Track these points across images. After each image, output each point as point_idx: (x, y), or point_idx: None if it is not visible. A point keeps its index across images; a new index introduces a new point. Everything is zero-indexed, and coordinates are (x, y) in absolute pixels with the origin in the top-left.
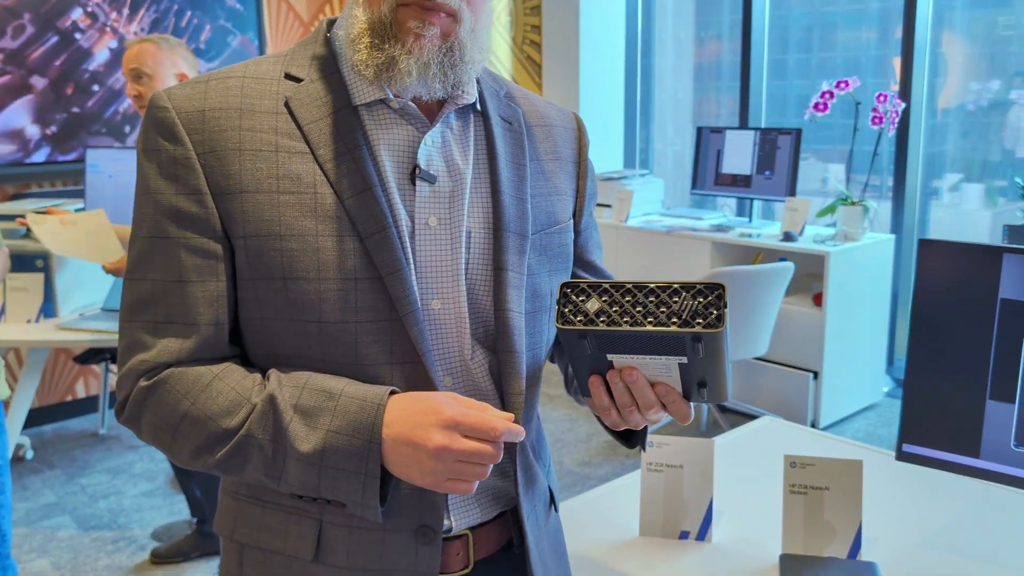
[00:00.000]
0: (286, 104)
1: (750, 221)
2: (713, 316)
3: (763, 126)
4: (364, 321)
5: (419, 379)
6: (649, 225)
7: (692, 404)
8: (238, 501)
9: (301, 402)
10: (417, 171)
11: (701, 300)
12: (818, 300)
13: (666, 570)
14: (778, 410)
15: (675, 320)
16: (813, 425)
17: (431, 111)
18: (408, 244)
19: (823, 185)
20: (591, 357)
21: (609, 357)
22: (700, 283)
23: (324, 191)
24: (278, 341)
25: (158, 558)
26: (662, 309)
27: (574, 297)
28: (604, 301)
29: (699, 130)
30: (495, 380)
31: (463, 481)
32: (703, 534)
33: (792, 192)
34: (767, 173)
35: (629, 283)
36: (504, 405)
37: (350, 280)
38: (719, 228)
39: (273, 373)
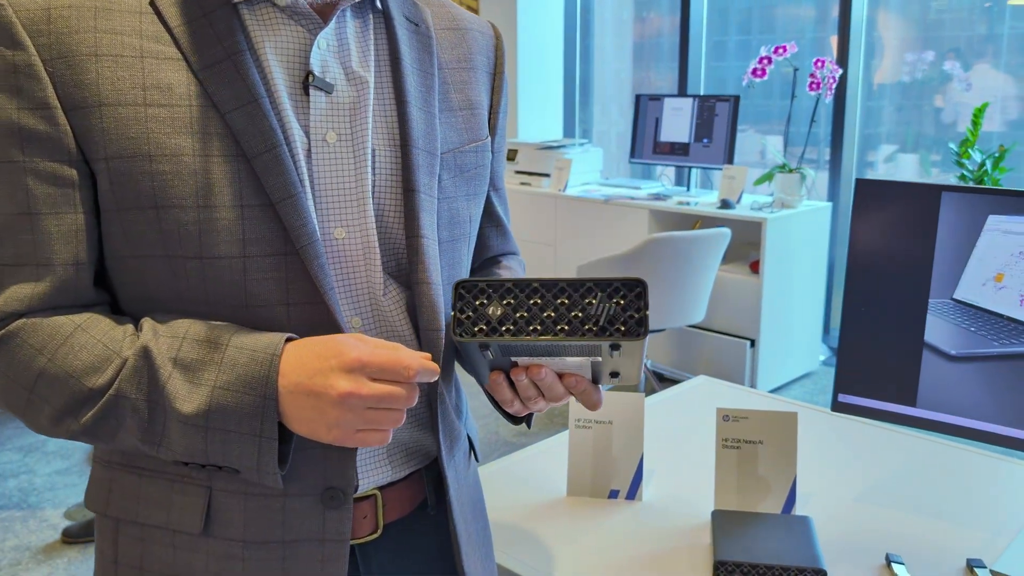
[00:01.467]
0: (151, 3)
1: (688, 190)
2: (633, 320)
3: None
4: (254, 256)
5: (322, 321)
6: (588, 194)
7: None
8: (111, 470)
9: (181, 355)
10: (310, 79)
11: (619, 300)
12: (755, 268)
13: (594, 530)
14: (715, 378)
15: (590, 327)
16: None
17: (324, 11)
18: (304, 165)
19: (761, 158)
20: (494, 360)
21: (514, 359)
22: (617, 279)
23: (201, 104)
24: (152, 283)
25: (69, 537)
26: (575, 313)
27: (472, 300)
28: (507, 305)
29: (638, 98)
30: (412, 319)
31: (376, 431)
32: (633, 493)
33: (730, 160)
34: (705, 141)
35: (535, 281)
36: (421, 345)
37: (235, 208)
38: (657, 197)
39: (147, 322)
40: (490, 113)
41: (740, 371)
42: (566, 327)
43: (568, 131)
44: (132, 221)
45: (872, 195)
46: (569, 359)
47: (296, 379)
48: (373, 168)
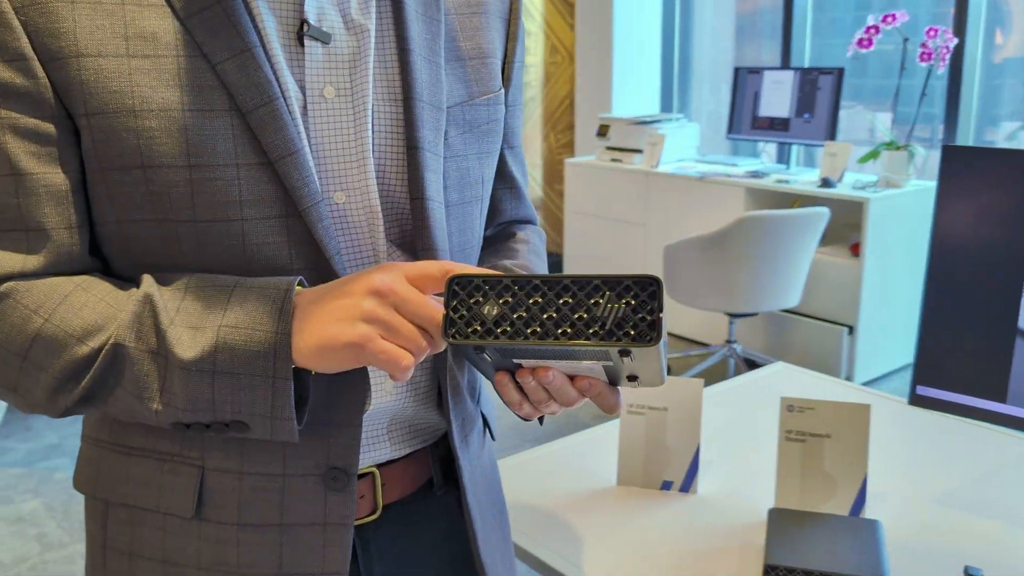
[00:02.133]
0: None
1: (788, 168)
2: (645, 323)
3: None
4: (253, 218)
5: None
6: (682, 171)
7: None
8: (99, 449)
9: (185, 302)
10: (305, 28)
11: (630, 300)
12: (856, 250)
13: (645, 523)
14: (809, 367)
15: (596, 330)
16: None
17: None
18: (300, 123)
19: (871, 136)
20: (494, 362)
21: (516, 361)
22: (628, 277)
23: (188, 53)
24: (144, 250)
25: None
26: (579, 315)
27: (466, 298)
28: (504, 304)
29: (736, 71)
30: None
31: (401, 351)
32: (687, 485)
33: (832, 136)
34: (806, 116)
35: (537, 277)
36: None
37: (230, 167)
38: (754, 175)
39: (148, 276)
40: (504, 62)
41: (836, 360)
42: (569, 330)
43: (665, 106)
44: (117, 182)
45: (961, 164)
46: (578, 364)
47: (312, 298)
48: (373, 125)
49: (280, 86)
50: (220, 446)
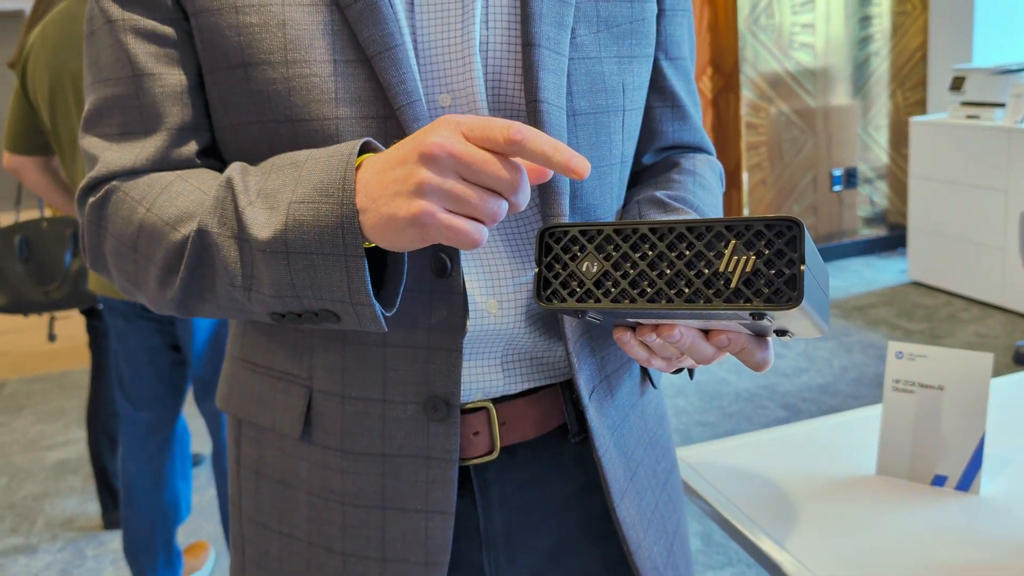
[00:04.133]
0: None
1: None
2: (782, 279)
3: None
4: (348, 118)
5: None
6: None
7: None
8: (232, 365)
9: (268, 182)
10: None
11: (762, 251)
12: None
13: (906, 522)
14: None
15: (720, 289)
16: None
17: None
18: (403, 17)
19: None
20: (604, 322)
21: (632, 320)
22: (760, 220)
23: None
24: (255, 155)
25: None
26: (698, 270)
27: (562, 252)
28: (607, 258)
29: None
30: (541, 208)
31: (467, 219)
32: (967, 483)
33: None
34: None
35: (646, 224)
36: None
37: (326, 63)
38: None
39: (237, 162)
40: None
41: None
42: (686, 290)
43: None
44: (224, 83)
45: None
46: (706, 322)
47: (376, 167)
48: (486, 19)
49: None
50: (325, 366)
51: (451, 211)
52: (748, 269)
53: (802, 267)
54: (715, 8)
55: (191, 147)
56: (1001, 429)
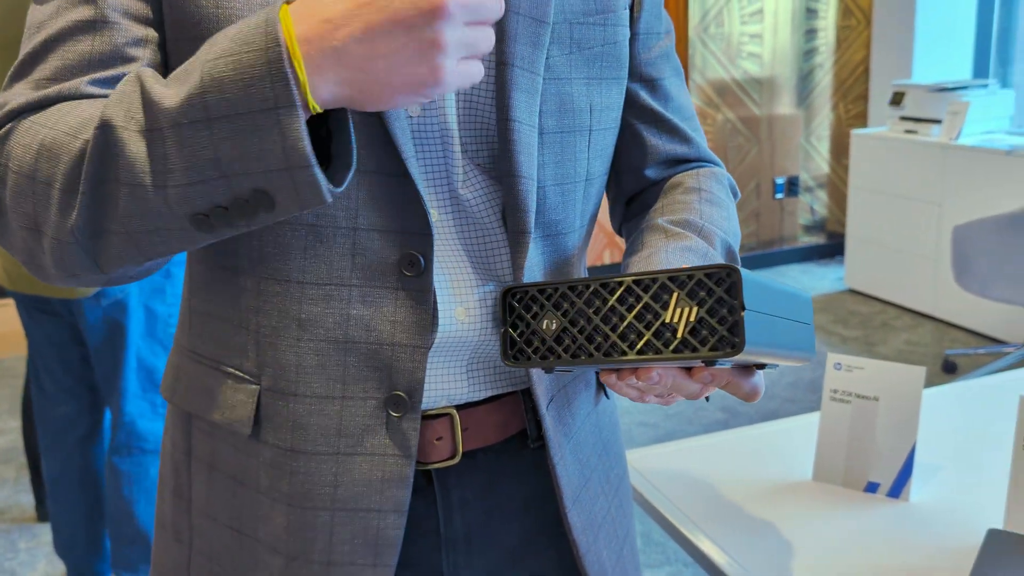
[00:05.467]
0: None
1: None
2: (725, 326)
3: None
4: None
5: (405, 198)
6: (988, 144)
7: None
8: (180, 355)
9: (182, 68)
10: None
11: (704, 299)
12: None
13: (840, 526)
14: None
15: (667, 339)
16: None
17: None
18: None
19: None
20: (576, 371)
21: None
22: (698, 270)
23: None
24: None
25: None
26: (646, 322)
27: (524, 312)
28: (563, 315)
29: None
30: (507, 224)
31: (473, 65)
32: (897, 490)
33: None
34: None
35: (592, 281)
36: (510, 247)
37: None
38: None
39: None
40: None
41: None
42: (637, 342)
43: (979, 72)
44: (186, 53)
45: None
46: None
47: (329, 14)
48: None
49: None
50: (277, 363)
51: (463, 58)
52: (692, 319)
53: (742, 313)
54: None
55: None
56: (931, 438)
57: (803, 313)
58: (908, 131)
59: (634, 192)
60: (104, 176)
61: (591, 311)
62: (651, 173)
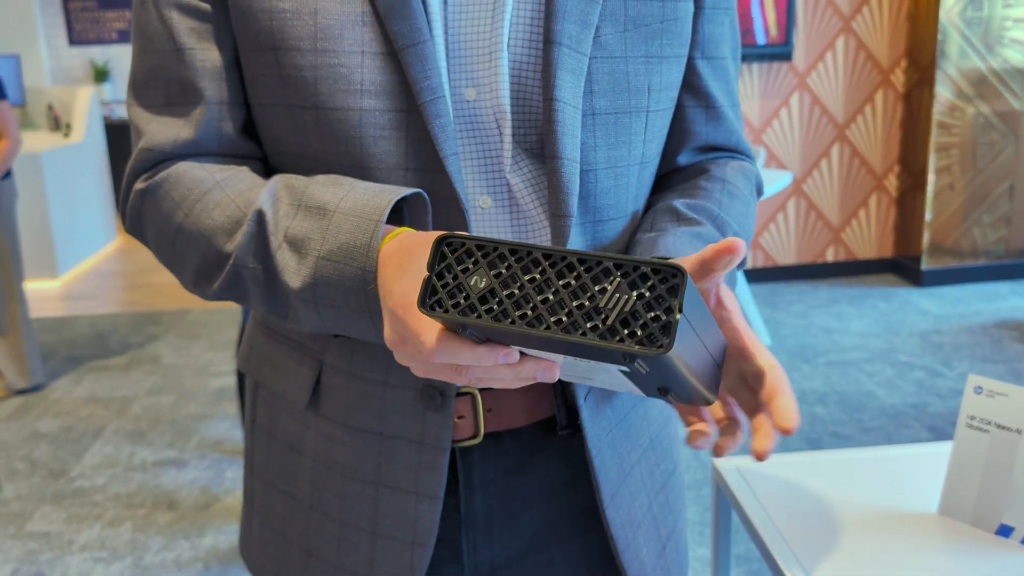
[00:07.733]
0: None
1: None
2: (657, 324)
3: None
4: (372, 110)
5: (443, 194)
6: None
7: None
8: (254, 328)
9: (294, 225)
10: None
11: (644, 292)
12: None
13: (962, 570)
14: None
15: (596, 324)
16: None
17: None
18: (438, 11)
19: None
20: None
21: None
22: (648, 263)
23: None
24: (280, 137)
25: None
26: (579, 302)
27: (455, 263)
28: (496, 276)
29: None
30: (549, 207)
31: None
32: None
33: None
34: None
35: (540, 249)
36: (551, 231)
37: (354, 54)
38: None
39: (274, 180)
40: None
41: None
42: (564, 318)
43: None
44: (254, 64)
45: None
46: (585, 363)
47: (391, 271)
48: (513, 15)
49: None
50: (337, 342)
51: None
52: (627, 308)
53: (677, 315)
54: None
55: (229, 125)
56: None
57: (719, 351)
58: None
59: (660, 175)
60: (238, 290)
61: (526, 278)
62: (683, 159)
